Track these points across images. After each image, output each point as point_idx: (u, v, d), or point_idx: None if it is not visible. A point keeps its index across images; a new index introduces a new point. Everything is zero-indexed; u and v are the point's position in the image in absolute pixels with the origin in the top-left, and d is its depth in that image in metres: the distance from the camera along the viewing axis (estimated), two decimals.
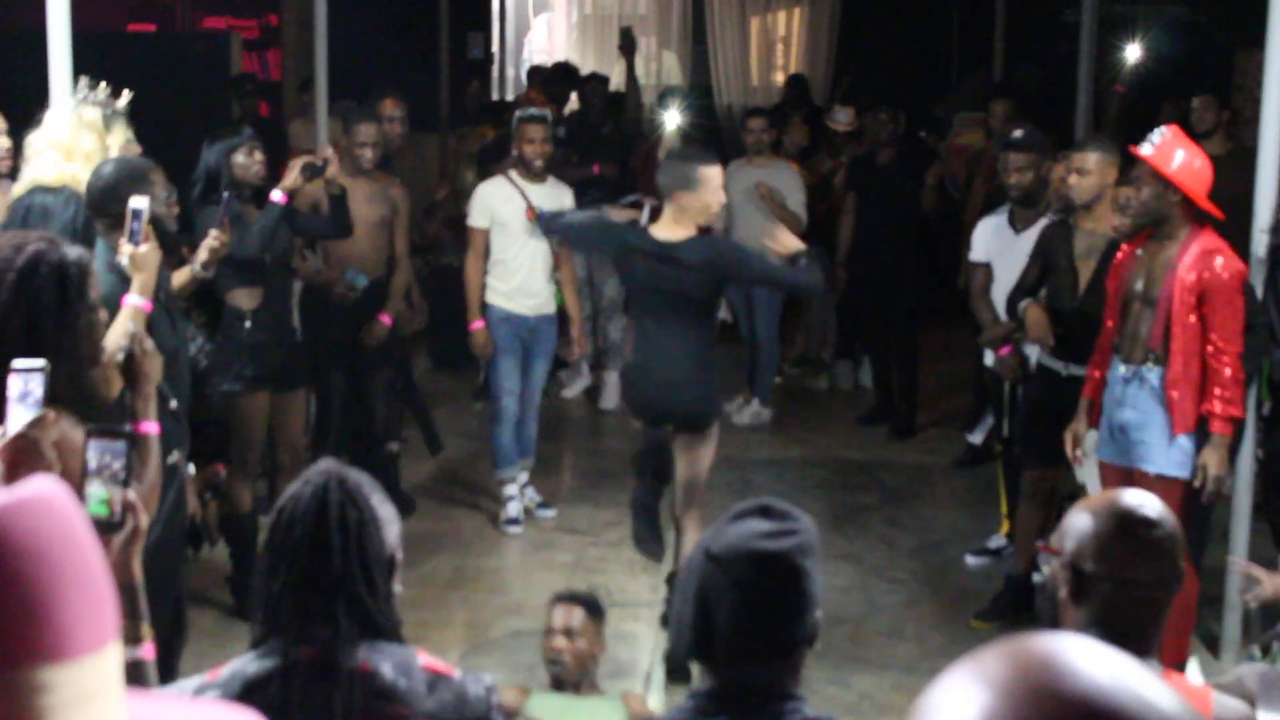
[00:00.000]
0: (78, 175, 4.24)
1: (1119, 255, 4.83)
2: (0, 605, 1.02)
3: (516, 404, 6.62)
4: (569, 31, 14.28)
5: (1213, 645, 5.21)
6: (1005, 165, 5.94)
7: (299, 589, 2.20)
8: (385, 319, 6.42)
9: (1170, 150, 4.53)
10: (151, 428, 2.97)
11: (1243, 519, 5.09)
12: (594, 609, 4.23)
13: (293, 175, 5.54)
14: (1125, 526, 2.25)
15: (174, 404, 3.24)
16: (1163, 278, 4.57)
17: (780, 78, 13.21)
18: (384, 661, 2.19)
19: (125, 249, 3.86)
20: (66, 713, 1.04)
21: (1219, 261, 4.50)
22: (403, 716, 2.17)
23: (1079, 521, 2.29)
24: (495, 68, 13.61)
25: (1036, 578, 2.43)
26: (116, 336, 3.75)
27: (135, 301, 3.84)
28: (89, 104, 4.19)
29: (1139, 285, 4.68)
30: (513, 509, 6.61)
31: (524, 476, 6.88)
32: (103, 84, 4.28)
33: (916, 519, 6.82)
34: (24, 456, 2.20)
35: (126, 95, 4.44)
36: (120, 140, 4.22)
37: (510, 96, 13.20)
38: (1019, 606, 5.45)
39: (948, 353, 8.88)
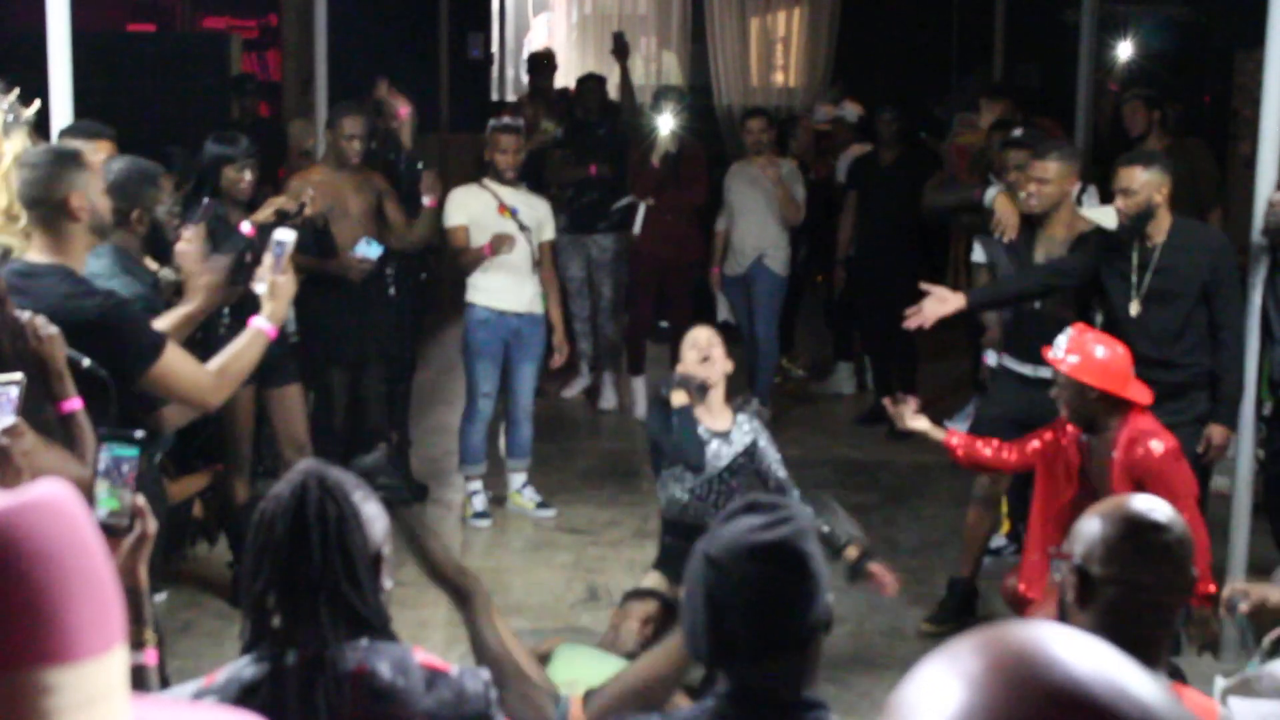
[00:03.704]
0: None
1: (1063, 438, 4.64)
2: (7, 606, 1.02)
3: (491, 406, 6.71)
4: (569, 31, 14.27)
5: (1212, 645, 5.21)
6: (1004, 164, 5.94)
7: (281, 587, 2.20)
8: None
9: (1075, 349, 4.37)
10: (74, 404, 2.96)
11: (1243, 519, 5.09)
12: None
13: (266, 212, 5.56)
14: (1133, 530, 2.24)
15: (86, 363, 3.20)
16: (1107, 473, 4.41)
17: (780, 78, 13.20)
18: (381, 661, 2.19)
19: (265, 276, 3.83)
20: (72, 715, 1.04)
21: (1141, 450, 4.31)
22: (402, 716, 2.17)
23: (1088, 525, 2.28)
24: (495, 68, 13.61)
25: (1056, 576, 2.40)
26: (236, 356, 3.75)
27: (262, 325, 3.81)
28: None
29: (1094, 475, 4.52)
30: (478, 503, 6.72)
31: (523, 477, 6.92)
32: (15, 91, 4.21)
33: (916, 519, 6.82)
34: None
35: (35, 105, 4.38)
36: (17, 148, 4.13)
37: (511, 97, 13.20)
38: (964, 610, 5.52)
39: (947, 353, 8.88)
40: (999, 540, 6.32)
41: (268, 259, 3.85)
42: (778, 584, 2.04)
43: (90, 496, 2.89)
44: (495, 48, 13.67)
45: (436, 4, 11.02)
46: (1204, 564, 4.28)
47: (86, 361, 3.19)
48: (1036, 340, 5.08)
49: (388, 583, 2.29)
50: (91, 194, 3.62)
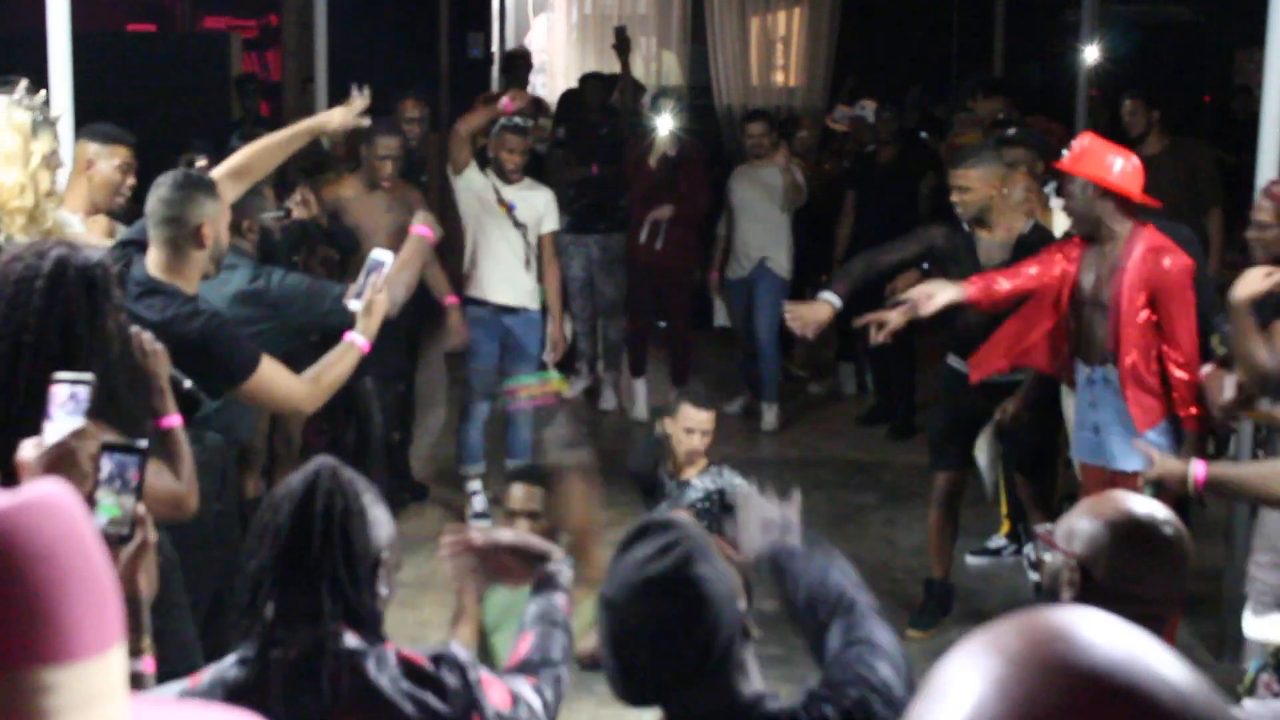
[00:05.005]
0: None
1: (1062, 256, 4.78)
2: (5, 606, 1.03)
3: (487, 405, 6.70)
4: (569, 31, 14.26)
5: (1213, 645, 5.21)
6: None
7: (278, 574, 2.20)
8: (452, 300, 6.61)
9: (1089, 154, 4.55)
10: (174, 421, 3.05)
11: (1242, 519, 5.09)
12: (549, 484, 4.35)
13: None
14: (1142, 543, 2.22)
15: (187, 384, 3.27)
16: (1110, 279, 4.57)
17: (780, 78, 13.20)
18: (365, 661, 2.19)
19: (365, 294, 3.99)
20: (70, 714, 1.04)
21: (1167, 260, 4.49)
22: (385, 713, 2.17)
23: (1093, 527, 2.25)
24: (495, 68, 13.60)
25: (1033, 571, 2.41)
26: (329, 366, 3.89)
27: (358, 340, 3.98)
28: (22, 107, 4.15)
29: (1088, 288, 4.67)
30: (478, 503, 6.73)
31: None
32: (42, 91, 4.24)
33: (916, 519, 6.81)
34: (61, 466, 2.21)
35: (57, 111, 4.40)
36: (45, 149, 4.16)
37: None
38: (945, 610, 5.60)
39: (946, 353, 8.87)
40: (999, 540, 6.32)
41: (368, 277, 4.01)
42: (673, 617, 1.96)
43: (176, 509, 2.96)
44: (495, 48, 13.67)
45: (436, 4, 11.03)
46: (1193, 357, 4.45)
47: (188, 383, 3.27)
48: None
49: (384, 589, 2.29)
50: (219, 225, 3.81)
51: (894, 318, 4.94)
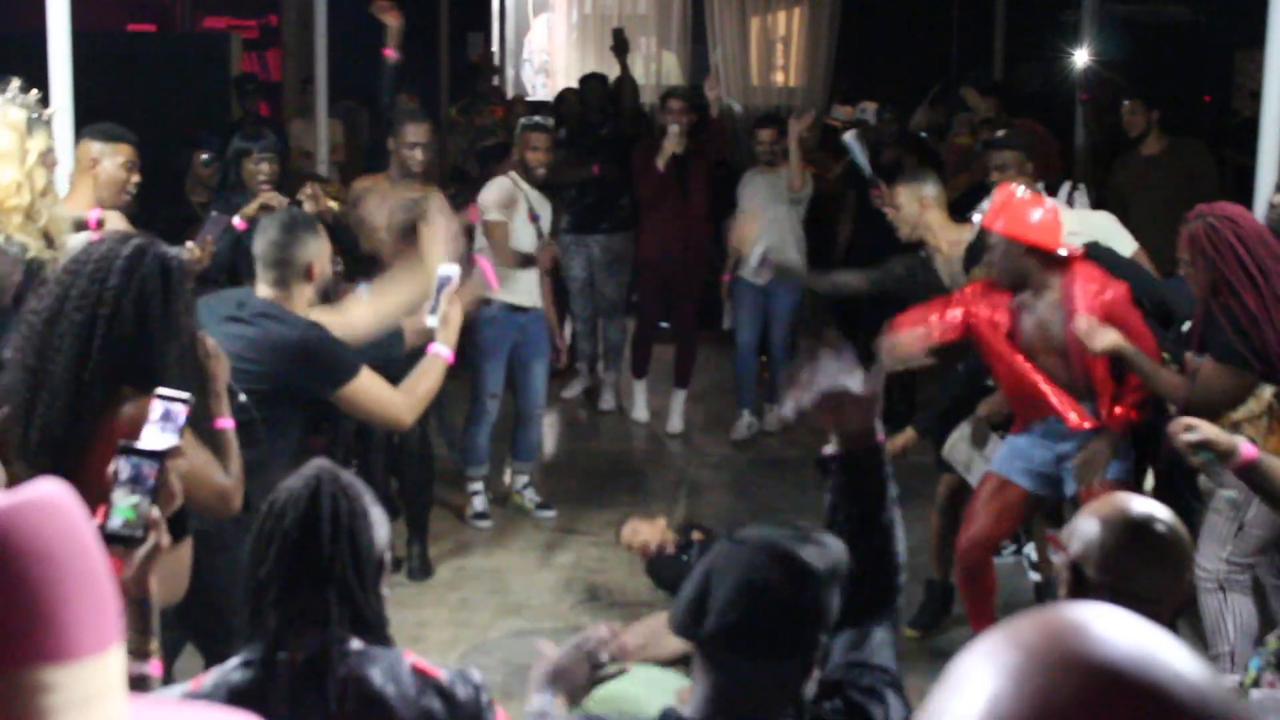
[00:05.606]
0: None
1: (990, 308, 4.71)
2: (4, 605, 1.03)
3: (497, 408, 6.69)
4: (569, 31, 14.26)
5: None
6: (988, 164, 5.97)
7: (286, 577, 2.20)
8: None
9: (1004, 210, 4.53)
10: (227, 423, 3.14)
11: None
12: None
13: (253, 207, 5.51)
14: (1135, 539, 2.23)
15: (242, 397, 3.38)
16: (1062, 321, 4.53)
17: (780, 78, 13.20)
18: (371, 666, 2.19)
19: (439, 309, 4.11)
20: (68, 713, 1.04)
21: (1108, 294, 4.47)
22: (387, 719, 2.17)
23: (1088, 526, 2.27)
24: (494, 67, 13.62)
25: (1033, 571, 2.41)
26: (420, 378, 4.00)
27: (443, 352, 4.07)
28: (16, 105, 4.15)
29: (1032, 334, 4.62)
30: (479, 503, 6.74)
31: (525, 478, 6.92)
32: (34, 91, 4.25)
33: (916, 519, 6.80)
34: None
35: (51, 109, 4.41)
36: (41, 147, 4.17)
37: (509, 96, 13.22)
38: (945, 610, 5.63)
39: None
40: None
41: (439, 293, 4.14)
42: (775, 586, 1.97)
43: (222, 504, 3.01)
44: (495, 48, 13.67)
45: (436, 4, 11.03)
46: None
47: (242, 396, 3.37)
48: None
49: (385, 590, 2.29)
50: (324, 259, 4.00)
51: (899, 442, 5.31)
